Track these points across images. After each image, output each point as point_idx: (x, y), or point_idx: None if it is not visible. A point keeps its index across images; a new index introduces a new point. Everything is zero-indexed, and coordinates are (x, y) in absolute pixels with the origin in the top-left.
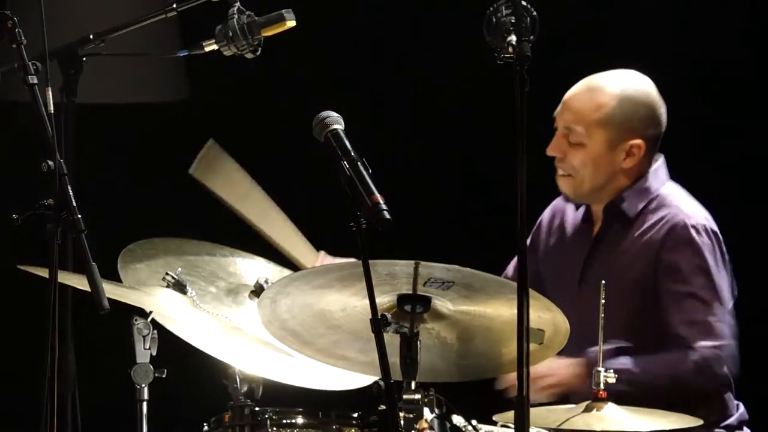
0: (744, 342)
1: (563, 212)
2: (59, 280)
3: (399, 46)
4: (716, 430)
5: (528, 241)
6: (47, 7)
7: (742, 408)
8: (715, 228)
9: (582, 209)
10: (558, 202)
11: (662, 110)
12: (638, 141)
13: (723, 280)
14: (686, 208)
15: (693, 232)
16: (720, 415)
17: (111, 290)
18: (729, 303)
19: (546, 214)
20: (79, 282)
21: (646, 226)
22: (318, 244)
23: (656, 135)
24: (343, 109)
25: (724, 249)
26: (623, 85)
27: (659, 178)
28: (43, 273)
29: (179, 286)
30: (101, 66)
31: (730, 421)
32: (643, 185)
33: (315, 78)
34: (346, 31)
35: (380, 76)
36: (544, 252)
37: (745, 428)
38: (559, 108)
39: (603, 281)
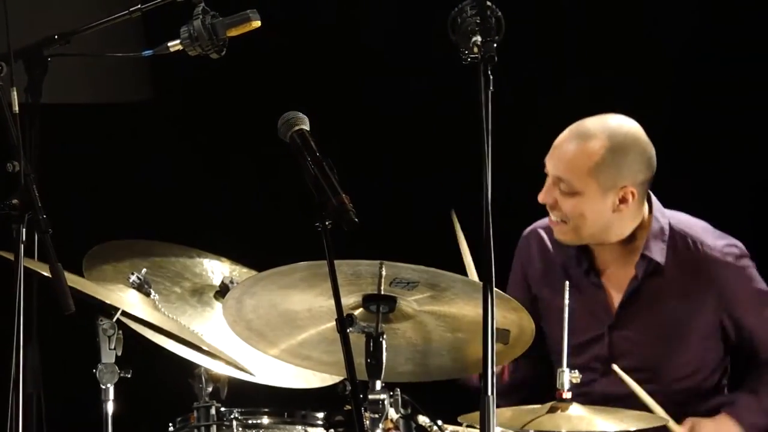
0: None
1: (553, 248)
2: (28, 266)
3: (374, 40)
4: None
5: (517, 268)
6: (10, 6)
7: None
8: (740, 245)
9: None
10: (539, 233)
11: (652, 153)
12: (630, 188)
13: None
14: (710, 242)
15: (733, 260)
16: None
17: (78, 284)
18: None
19: (534, 247)
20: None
21: (681, 270)
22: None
23: (647, 179)
24: (308, 107)
25: None
26: (611, 132)
27: (662, 214)
28: (8, 255)
29: (143, 288)
30: (66, 66)
31: None
32: (656, 227)
33: (284, 78)
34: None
35: (348, 72)
36: (542, 288)
37: None
38: (548, 156)
39: (567, 282)
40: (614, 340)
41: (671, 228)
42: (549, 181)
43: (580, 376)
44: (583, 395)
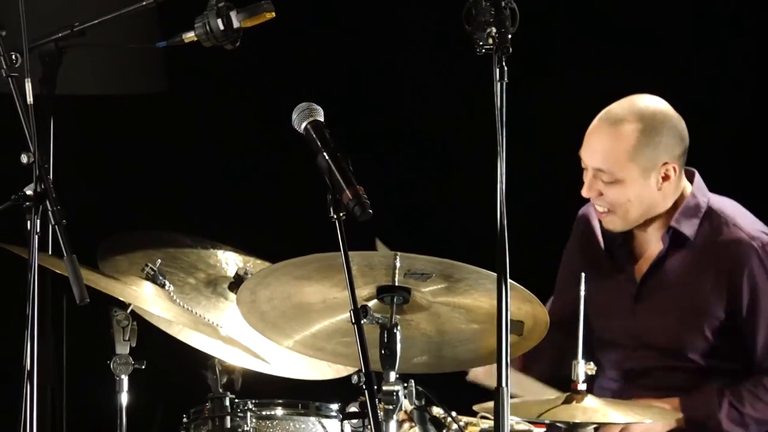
0: None
1: (594, 228)
2: (41, 263)
3: (382, 40)
4: None
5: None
6: None
7: None
8: None
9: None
10: (586, 213)
11: (683, 126)
12: (671, 163)
13: None
14: (744, 224)
15: (759, 245)
16: None
17: (90, 279)
18: None
19: (582, 227)
20: (60, 268)
21: (707, 246)
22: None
23: (683, 152)
24: (323, 101)
25: None
26: (641, 112)
27: (703, 193)
28: (23, 253)
29: (157, 279)
30: (80, 57)
31: None
32: (692, 203)
33: (297, 71)
34: (331, 21)
35: (361, 69)
36: (586, 266)
37: None
38: (582, 148)
39: (583, 274)
40: (640, 313)
41: (709, 207)
42: (589, 174)
43: (595, 368)
44: (615, 369)
